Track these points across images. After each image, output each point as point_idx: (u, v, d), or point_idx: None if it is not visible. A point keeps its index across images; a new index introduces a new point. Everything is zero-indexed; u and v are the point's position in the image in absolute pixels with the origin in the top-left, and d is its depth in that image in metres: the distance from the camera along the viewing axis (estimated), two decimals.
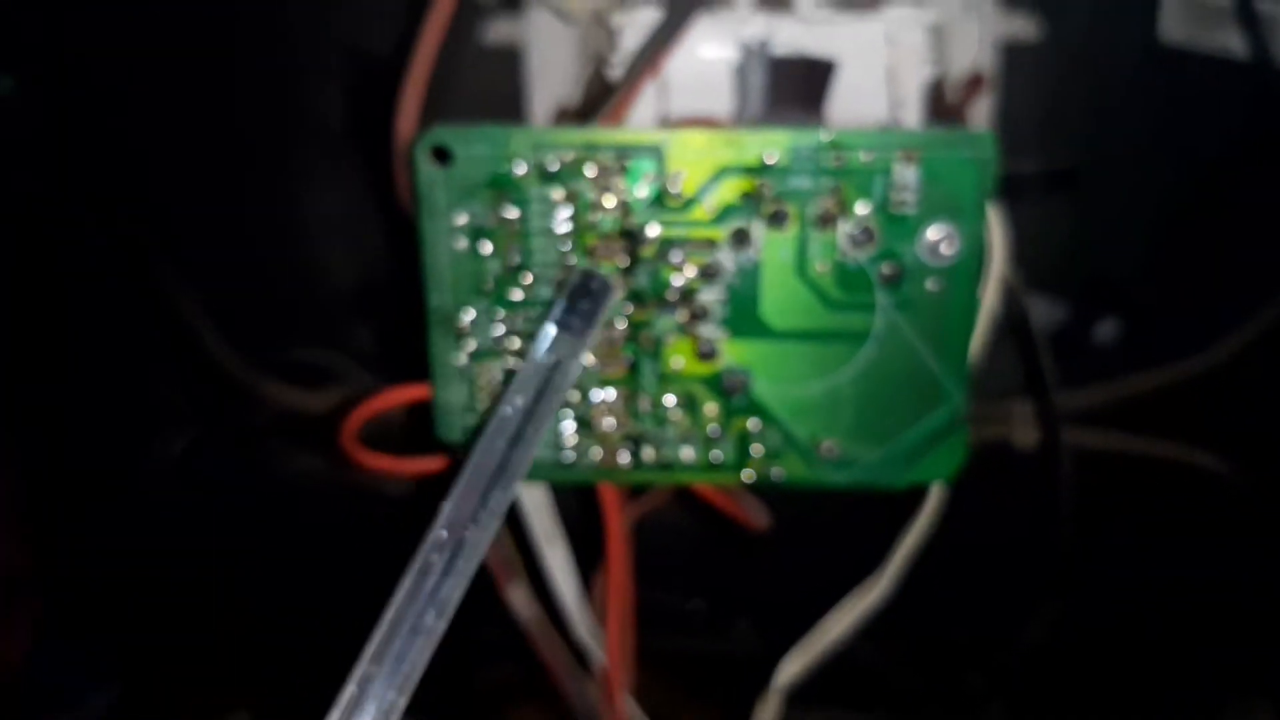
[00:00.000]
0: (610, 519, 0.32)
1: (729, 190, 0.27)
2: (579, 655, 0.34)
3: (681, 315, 0.28)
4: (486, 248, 0.27)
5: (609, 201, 0.27)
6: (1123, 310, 0.43)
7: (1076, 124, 0.40)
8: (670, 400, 0.29)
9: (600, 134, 0.27)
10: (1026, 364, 0.37)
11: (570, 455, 0.29)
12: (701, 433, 0.29)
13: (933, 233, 0.27)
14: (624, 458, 0.29)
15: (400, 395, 0.30)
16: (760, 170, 0.27)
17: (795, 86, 0.33)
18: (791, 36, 0.33)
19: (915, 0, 0.34)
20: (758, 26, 0.33)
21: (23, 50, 0.41)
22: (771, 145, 0.26)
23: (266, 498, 0.46)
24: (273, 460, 0.46)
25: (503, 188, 0.27)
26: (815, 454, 0.29)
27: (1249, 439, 0.42)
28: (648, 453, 0.29)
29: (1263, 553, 0.42)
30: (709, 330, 0.28)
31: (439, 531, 0.24)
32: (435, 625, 0.23)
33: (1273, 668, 0.44)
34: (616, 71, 0.33)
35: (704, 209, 0.27)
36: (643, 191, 0.27)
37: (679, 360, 0.28)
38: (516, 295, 0.28)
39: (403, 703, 0.23)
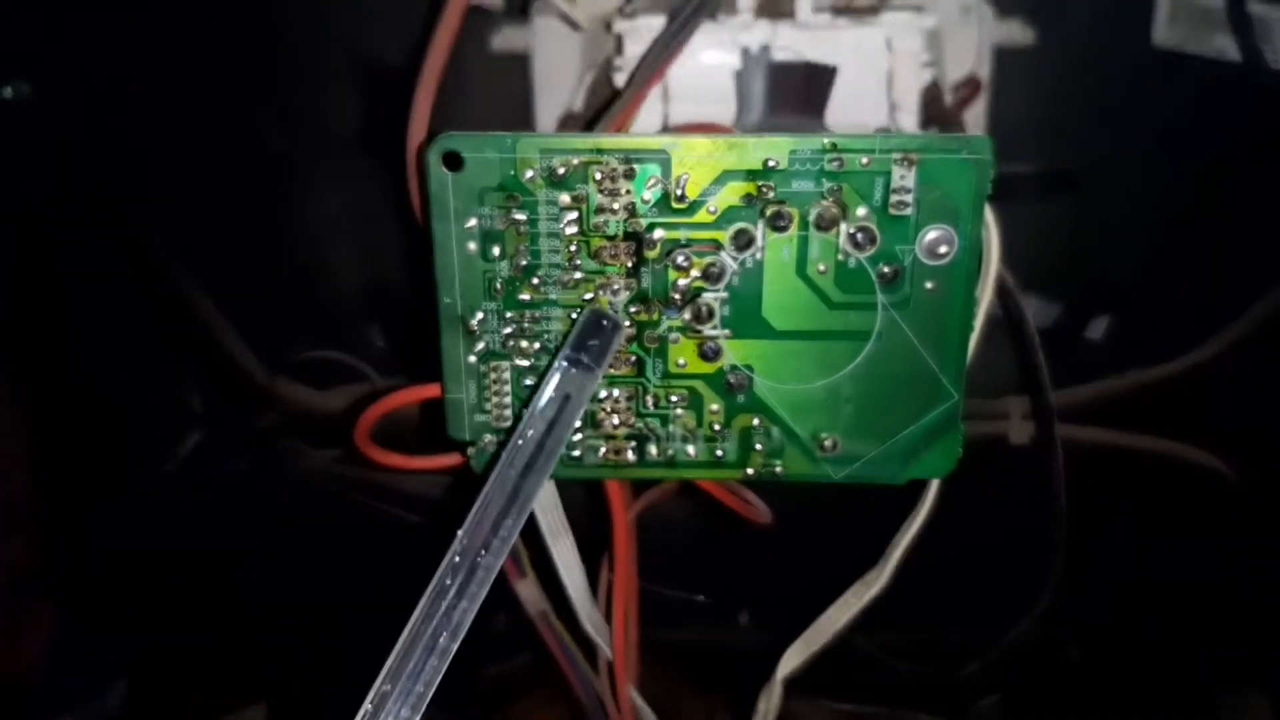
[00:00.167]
0: (616, 514, 0.33)
1: (732, 193, 0.27)
2: (585, 647, 0.34)
3: (685, 315, 0.28)
4: (496, 250, 0.28)
5: (615, 205, 0.27)
6: (1117, 308, 0.43)
7: (1072, 127, 0.40)
8: (674, 398, 0.29)
9: (606, 139, 0.27)
10: (1022, 362, 0.37)
11: (577, 452, 0.30)
12: (705, 430, 0.29)
13: (931, 234, 0.27)
14: (629, 454, 0.30)
15: (412, 394, 0.30)
16: (762, 174, 0.27)
17: (796, 91, 0.34)
18: (792, 42, 0.33)
19: (913, 6, 0.34)
20: (759, 33, 0.33)
21: (38, 56, 0.41)
22: (773, 149, 0.27)
23: (278, 497, 0.46)
24: (284, 460, 0.46)
25: (512, 192, 0.27)
26: (816, 451, 0.29)
27: (1242, 435, 0.42)
28: (652, 449, 0.30)
29: (1257, 548, 0.42)
30: (712, 330, 0.28)
31: (454, 558, 0.25)
32: (448, 646, 0.24)
33: (1267, 662, 0.44)
34: (621, 78, 0.34)
35: (707, 212, 0.27)
36: (648, 195, 0.27)
37: (683, 359, 0.29)
38: (525, 296, 0.28)
39: (417, 719, 0.24)
